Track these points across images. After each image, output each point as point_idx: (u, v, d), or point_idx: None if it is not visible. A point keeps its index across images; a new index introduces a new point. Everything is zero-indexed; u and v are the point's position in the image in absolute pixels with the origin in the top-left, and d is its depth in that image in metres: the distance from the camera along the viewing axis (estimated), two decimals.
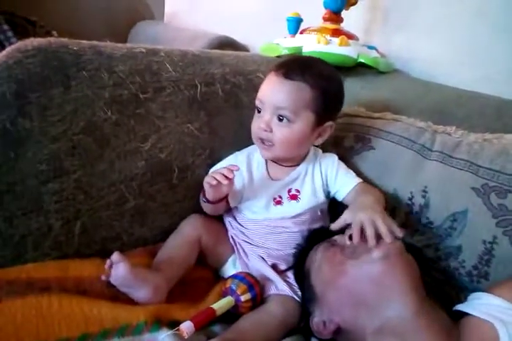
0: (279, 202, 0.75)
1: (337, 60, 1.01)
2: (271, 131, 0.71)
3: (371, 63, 1.01)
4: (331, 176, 0.78)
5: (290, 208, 0.75)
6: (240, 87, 0.90)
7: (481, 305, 0.56)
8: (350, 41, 1.03)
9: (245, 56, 0.99)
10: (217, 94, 0.85)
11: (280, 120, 0.71)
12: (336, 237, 0.68)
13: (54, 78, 0.65)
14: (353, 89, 1.05)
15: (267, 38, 1.22)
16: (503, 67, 0.95)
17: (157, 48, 0.83)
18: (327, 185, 0.79)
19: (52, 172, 0.63)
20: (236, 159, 0.80)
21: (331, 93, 0.73)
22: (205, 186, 0.70)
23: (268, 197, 0.75)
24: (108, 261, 0.60)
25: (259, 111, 0.74)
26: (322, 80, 0.71)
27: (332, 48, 1.00)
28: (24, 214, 0.61)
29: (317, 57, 0.79)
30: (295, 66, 0.72)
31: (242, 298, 0.64)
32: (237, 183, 0.74)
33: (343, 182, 0.78)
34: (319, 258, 0.65)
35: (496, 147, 0.73)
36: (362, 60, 1.01)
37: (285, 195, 0.76)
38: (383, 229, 0.60)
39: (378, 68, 1.03)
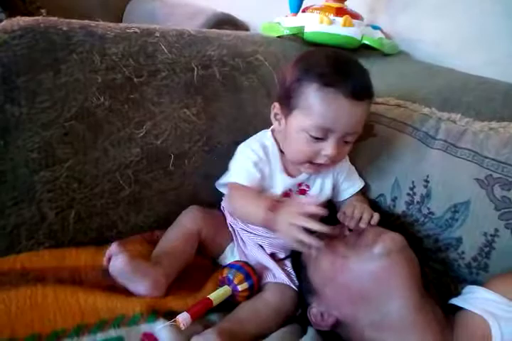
0: (287, 195, 0.72)
1: (340, 42, 0.97)
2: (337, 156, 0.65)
3: (376, 45, 0.97)
4: (341, 173, 0.75)
5: None
6: (239, 69, 0.87)
7: (475, 300, 0.56)
8: (355, 21, 0.99)
9: (244, 36, 0.95)
10: (214, 78, 0.82)
11: (346, 142, 0.65)
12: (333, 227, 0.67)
13: (43, 61, 0.62)
14: None
15: (268, 16, 1.17)
16: (510, 51, 0.92)
17: (152, 28, 0.79)
18: (336, 179, 0.75)
19: (44, 160, 0.61)
20: (253, 151, 0.69)
21: None
22: (290, 239, 0.57)
23: (279, 191, 0.70)
24: (107, 253, 0.59)
25: (314, 138, 0.62)
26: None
27: (335, 29, 0.95)
28: (16, 203, 0.59)
29: (352, 58, 0.67)
30: (359, 80, 0.62)
31: (239, 288, 0.64)
32: (263, 171, 0.69)
33: (350, 185, 0.76)
34: (317, 252, 0.64)
35: (501, 136, 0.71)
36: (366, 42, 0.97)
37: (295, 189, 0.72)
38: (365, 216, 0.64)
39: (383, 50, 0.99)
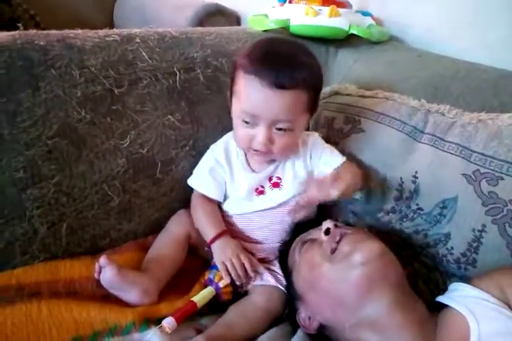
0: (261, 192, 0.73)
1: (327, 33, 0.95)
2: (271, 143, 0.65)
3: (363, 34, 0.94)
4: (315, 156, 0.74)
5: (273, 197, 0.73)
6: (223, 69, 0.85)
7: (459, 297, 0.56)
8: (342, 10, 0.96)
9: (229, 33, 0.93)
10: (198, 81, 0.81)
11: (279, 129, 0.64)
12: (312, 231, 0.68)
13: (21, 80, 0.62)
14: (346, 62, 1.00)
15: (258, 5, 1.14)
16: (502, 34, 0.88)
17: (132, 34, 0.78)
18: (311, 165, 0.74)
19: (31, 178, 0.62)
20: (213, 153, 0.76)
21: (320, 85, 0.69)
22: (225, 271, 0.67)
23: (250, 188, 0.73)
24: (96, 266, 0.61)
25: (246, 122, 0.65)
26: (313, 77, 0.64)
27: (321, 20, 0.93)
28: (6, 221, 0.61)
29: (290, 42, 0.71)
30: (282, 70, 0.61)
31: (221, 285, 0.66)
32: (220, 177, 0.74)
33: (326, 163, 0.74)
34: (298, 260, 0.65)
35: (490, 129, 0.69)
36: (354, 32, 0.94)
37: (267, 184, 0.73)
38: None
39: (371, 39, 0.97)
